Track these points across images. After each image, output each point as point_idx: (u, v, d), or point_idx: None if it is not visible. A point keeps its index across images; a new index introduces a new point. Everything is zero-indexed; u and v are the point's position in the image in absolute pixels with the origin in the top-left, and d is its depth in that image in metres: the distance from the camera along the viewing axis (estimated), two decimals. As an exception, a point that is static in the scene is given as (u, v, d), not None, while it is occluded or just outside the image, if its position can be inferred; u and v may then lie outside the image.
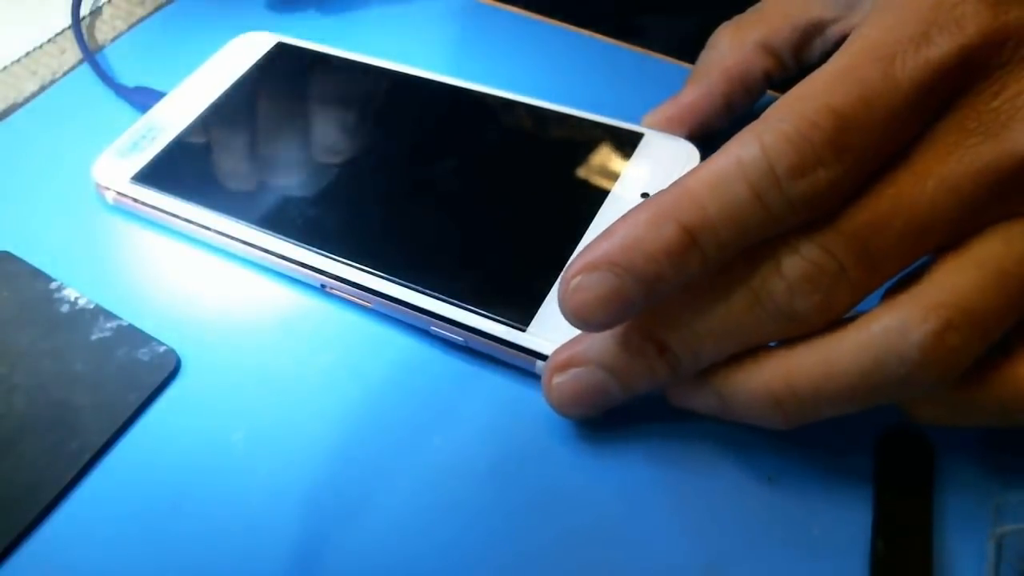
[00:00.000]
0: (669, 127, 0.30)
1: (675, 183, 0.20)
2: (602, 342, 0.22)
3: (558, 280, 0.21)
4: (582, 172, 0.29)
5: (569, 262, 0.21)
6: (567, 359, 0.23)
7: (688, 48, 0.31)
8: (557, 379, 0.23)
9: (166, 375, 0.26)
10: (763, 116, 0.19)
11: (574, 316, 0.20)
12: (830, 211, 0.19)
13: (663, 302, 0.21)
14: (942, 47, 0.18)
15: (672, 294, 0.20)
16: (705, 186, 0.19)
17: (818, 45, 0.28)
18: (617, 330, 0.22)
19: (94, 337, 0.27)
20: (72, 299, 0.28)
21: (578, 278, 0.20)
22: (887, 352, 0.19)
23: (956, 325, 0.18)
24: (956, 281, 0.19)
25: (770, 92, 0.30)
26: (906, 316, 0.18)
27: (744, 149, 0.19)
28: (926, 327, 0.18)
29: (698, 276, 0.20)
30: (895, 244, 0.19)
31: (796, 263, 0.19)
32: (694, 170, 0.20)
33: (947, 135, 0.19)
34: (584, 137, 0.30)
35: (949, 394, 0.20)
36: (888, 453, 0.23)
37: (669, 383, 0.22)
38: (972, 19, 0.18)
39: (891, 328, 0.19)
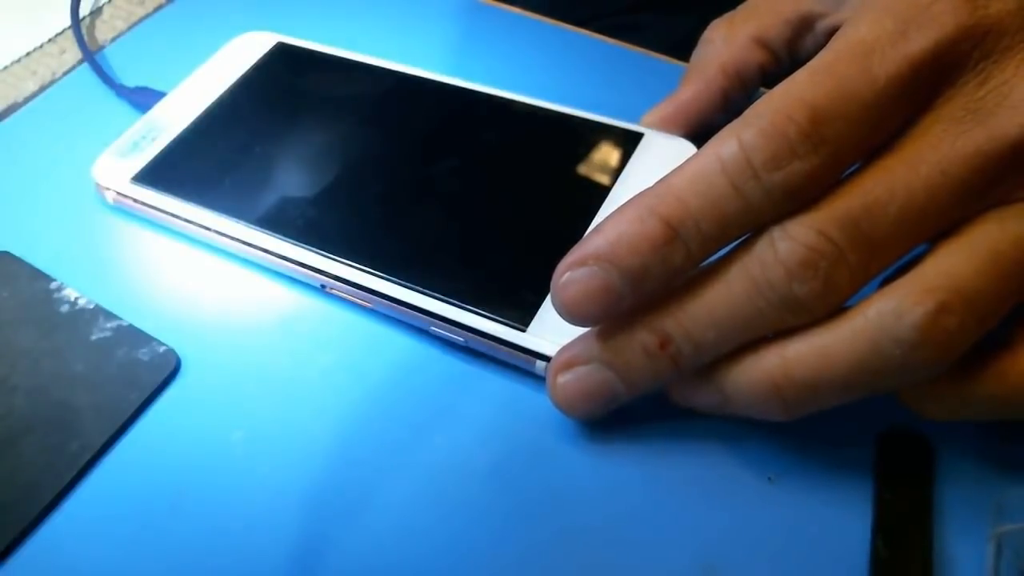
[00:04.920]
0: (668, 125, 0.30)
1: (659, 180, 0.21)
2: (604, 338, 0.22)
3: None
4: (582, 172, 0.29)
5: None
6: (570, 358, 0.23)
7: (686, 46, 0.31)
8: (561, 378, 0.23)
9: (166, 375, 0.26)
10: (743, 114, 0.20)
11: (564, 311, 0.21)
12: (811, 201, 0.19)
13: (657, 295, 0.21)
14: (919, 43, 0.19)
15: (660, 288, 0.21)
16: (686, 181, 0.20)
17: (809, 39, 0.29)
18: (619, 326, 0.22)
19: (94, 337, 0.27)
20: (72, 299, 0.28)
21: (567, 274, 0.21)
22: (883, 335, 0.19)
23: (951, 307, 0.18)
24: (951, 264, 0.19)
25: (762, 89, 0.30)
26: (901, 299, 0.19)
27: (723, 145, 0.20)
28: (921, 309, 0.18)
29: (684, 269, 0.20)
30: (891, 228, 0.19)
31: (793, 248, 0.19)
32: (677, 168, 0.21)
33: (937, 124, 0.19)
34: (584, 137, 0.30)
35: (953, 387, 0.20)
36: (888, 452, 0.23)
37: (672, 379, 0.22)
38: (950, 15, 0.19)
39: (886, 312, 0.19)
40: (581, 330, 0.23)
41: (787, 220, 0.20)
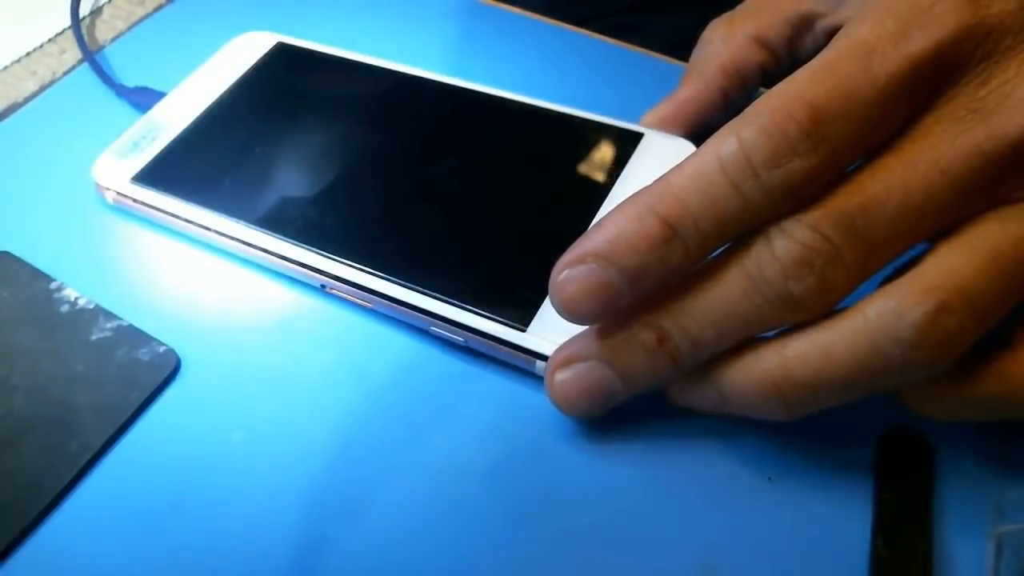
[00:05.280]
0: (667, 125, 0.30)
1: (658, 179, 0.21)
2: (603, 335, 0.22)
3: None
4: (582, 172, 0.29)
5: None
6: (569, 355, 0.23)
7: (686, 46, 0.31)
8: (559, 376, 0.23)
9: (166, 375, 0.26)
10: (743, 113, 0.20)
11: (563, 308, 0.21)
12: (810, 200, 0.19)
13: (655, 293, 0.21)
14: (920, 42, 0.19)
15: (658, 286, 0.21)
16: (685, 180, 0.20)
17: (809, 39, 0.29)
18: (618, 323, 0.22)
19: (94, 337, 0.27)
20: (72, 299, 0.28)
21: (566, 271, 0.21)
22: (883, 335, 0.19)
23: (951, 307, 0.18)
24: (951, 264, 0.19)
25: (762, 89, 0.30)
26: (901, 299, 0.19)
27: (722, 144, 0.20)
28: (921, 309, 0.18)
29: (683, 267, 0.20)
30: (889, 226, 0.19)
31: (789, 246, 0.19)
32: (676, 166, 0.21)
33: (937, 123, 0.19)
34: (584, 137, 0.30)
35: (953, 387, 0.20)
36: (888, 453, 0.23)
37: (670, 377, 0.22)
38: (952, 15, 0.19)
39: (886, 311, 0.19)
40: (581, 330, 0.23)
41: (784, 218, 0.20)
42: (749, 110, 0.20)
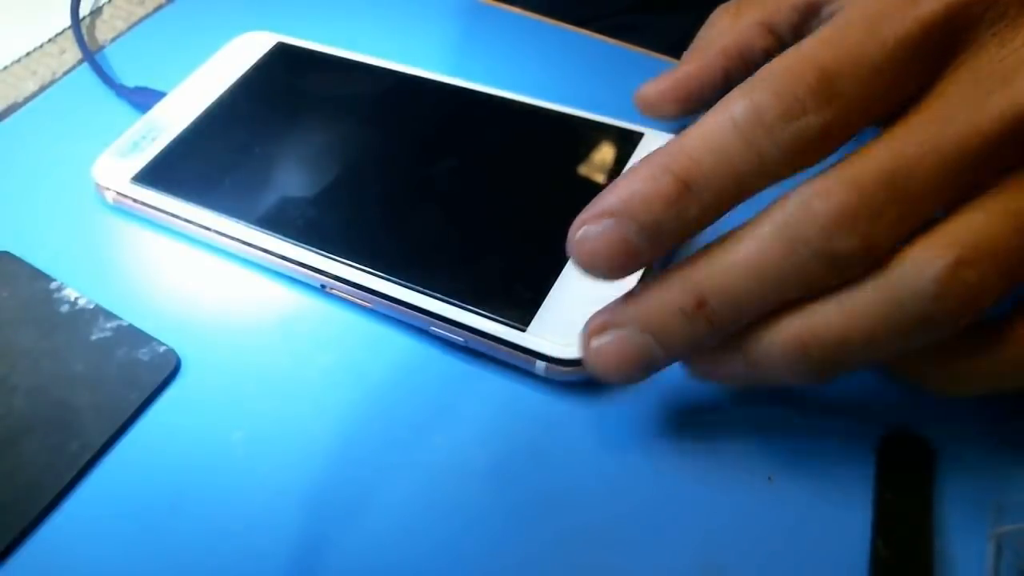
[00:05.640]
0: (664, 99, 0.29)
1: (671, 141, 0.21)
2: (639, 302, 0.22)
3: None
4: (582, 172, 0.29)
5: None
6: (605, 321, 0.22)
7: (686, 46, 0.31)
8: (595, 342, 0.22)
9: (166, 375, 0.26)
10: (751, 77, 0.20)
11: (583, 264, 0.21)
12: (824, 157, 0.20)
13: (691, 257, 0.21)
14: (929, 5, 0.19)
15: (677, 243, 0.21)
16: (698, 139, 0.20)
17: (815, 24, 0.28)
18: (654, 287, 0.21)
19: (94, 337, 0.27)
20: (72, 299, 0.28)
21: (583, 228, 0.21)
22: (904, 290, 0.19)
23: (970, 261, 0.18)
24: (973, 220, 0.19)
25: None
26: (920, 255, 0.19)
27: (735, 103, 0.20)
28: (942, 262, 0.18)
29: (700, 224, 0.20)
30: (926, 183, 0.19)
31: (829, 204, 0.19)
32: (690, 127, 0.20)
33: (960, 85, 0.19)
34: (584, 137, 0.30)
35: (968, 359, 0.20)
36: (889, 453, 0.23)
37: (708, 343, 0.22)
38: None
39: (907, 268, 0.19)
40: (582, 328, 0.23)
41: (819, 177, 0.19)
42: (757, 74, 0.20)
